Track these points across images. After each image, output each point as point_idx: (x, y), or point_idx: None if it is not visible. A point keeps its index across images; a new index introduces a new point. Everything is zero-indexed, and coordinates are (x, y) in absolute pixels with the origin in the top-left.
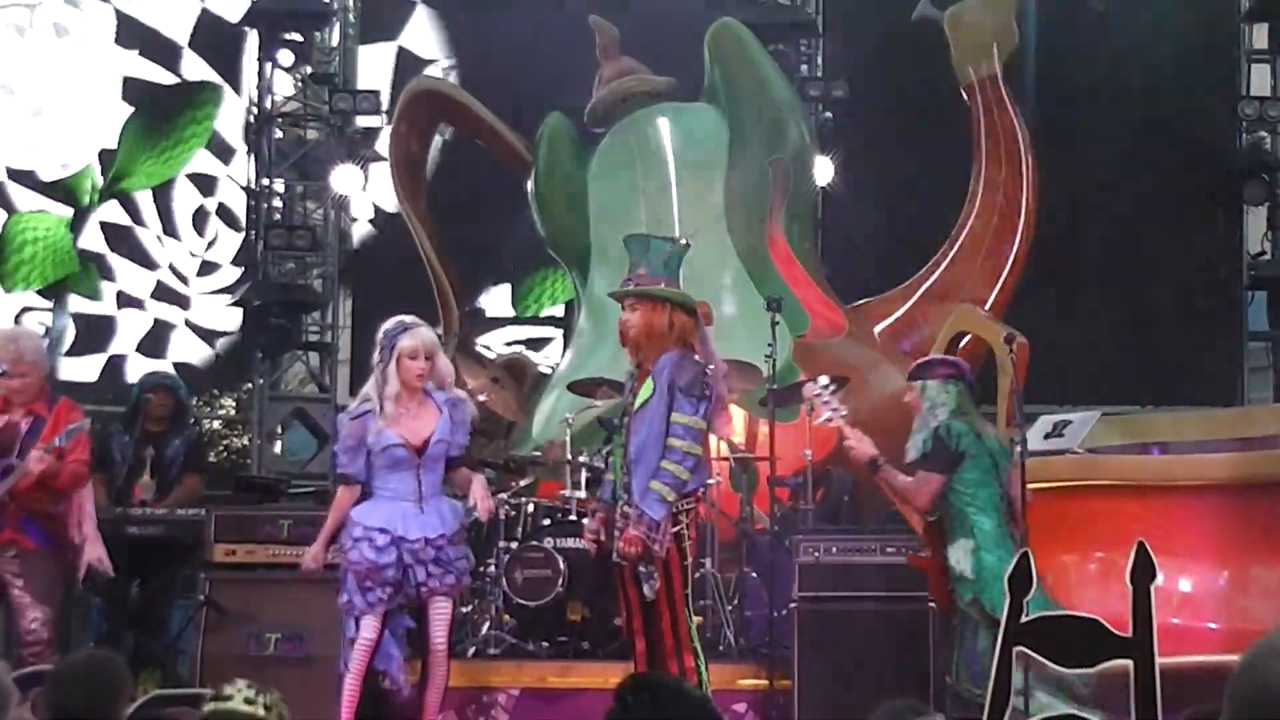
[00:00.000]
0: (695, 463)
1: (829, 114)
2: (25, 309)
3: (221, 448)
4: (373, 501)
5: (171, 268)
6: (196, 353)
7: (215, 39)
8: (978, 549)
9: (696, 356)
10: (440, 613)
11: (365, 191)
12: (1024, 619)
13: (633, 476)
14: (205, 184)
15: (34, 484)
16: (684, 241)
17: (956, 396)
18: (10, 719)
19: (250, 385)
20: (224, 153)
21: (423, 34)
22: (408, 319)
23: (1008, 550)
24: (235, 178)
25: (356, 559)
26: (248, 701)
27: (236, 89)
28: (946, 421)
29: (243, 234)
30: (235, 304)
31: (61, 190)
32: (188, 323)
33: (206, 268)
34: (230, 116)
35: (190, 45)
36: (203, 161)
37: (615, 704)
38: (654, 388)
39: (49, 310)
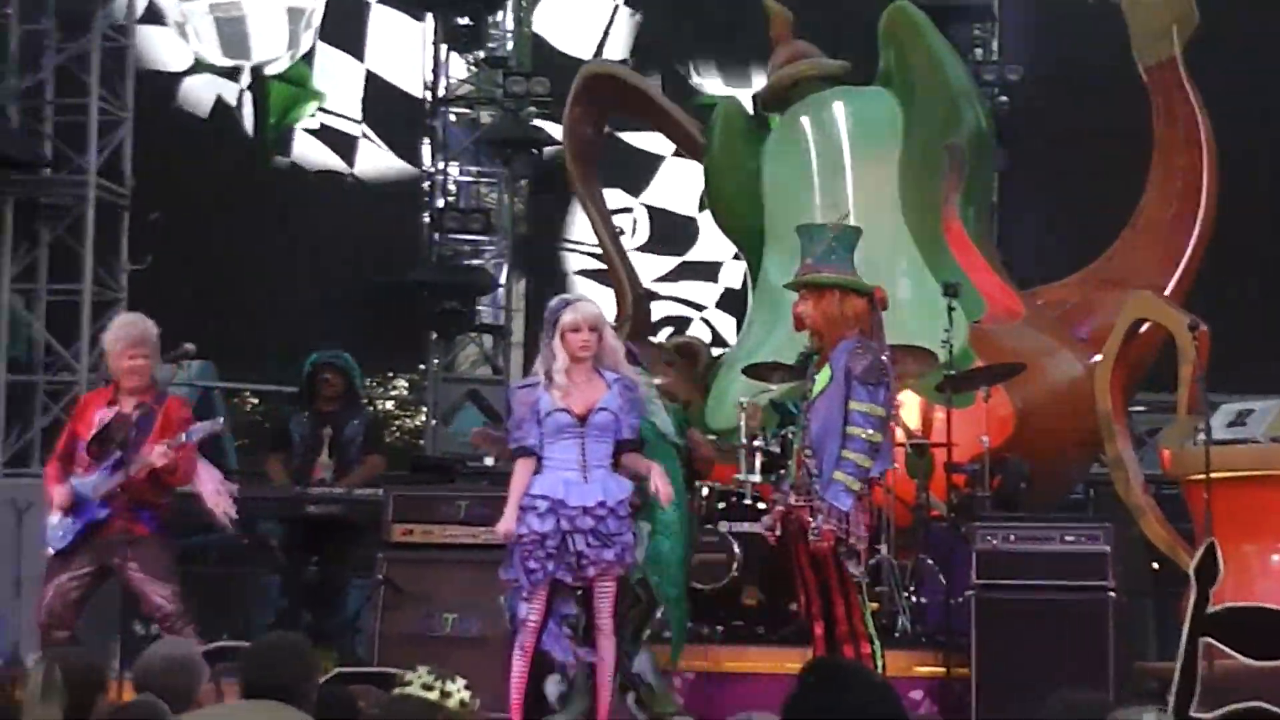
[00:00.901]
0: (876, 450)
1: (1005, 98)
2: None
3: (395, 428)
4: (539, 472)
5: None
6: (370, 332)
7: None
8: (654, 533)
9: (873, 342)
10: (604, 592)
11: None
12: (1210, 609)
13: (816, 465)
14: None
15: (146, 476)
16: (853, 224)
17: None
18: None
19: (424, 367)
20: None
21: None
22: (571, 295)
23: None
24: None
25: (521, 531)
26: (425, 688)
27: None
28: None
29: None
30: (411, 284)
31: None
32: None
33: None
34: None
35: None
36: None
37: (797, 686)
38: (831, 375)
39: None
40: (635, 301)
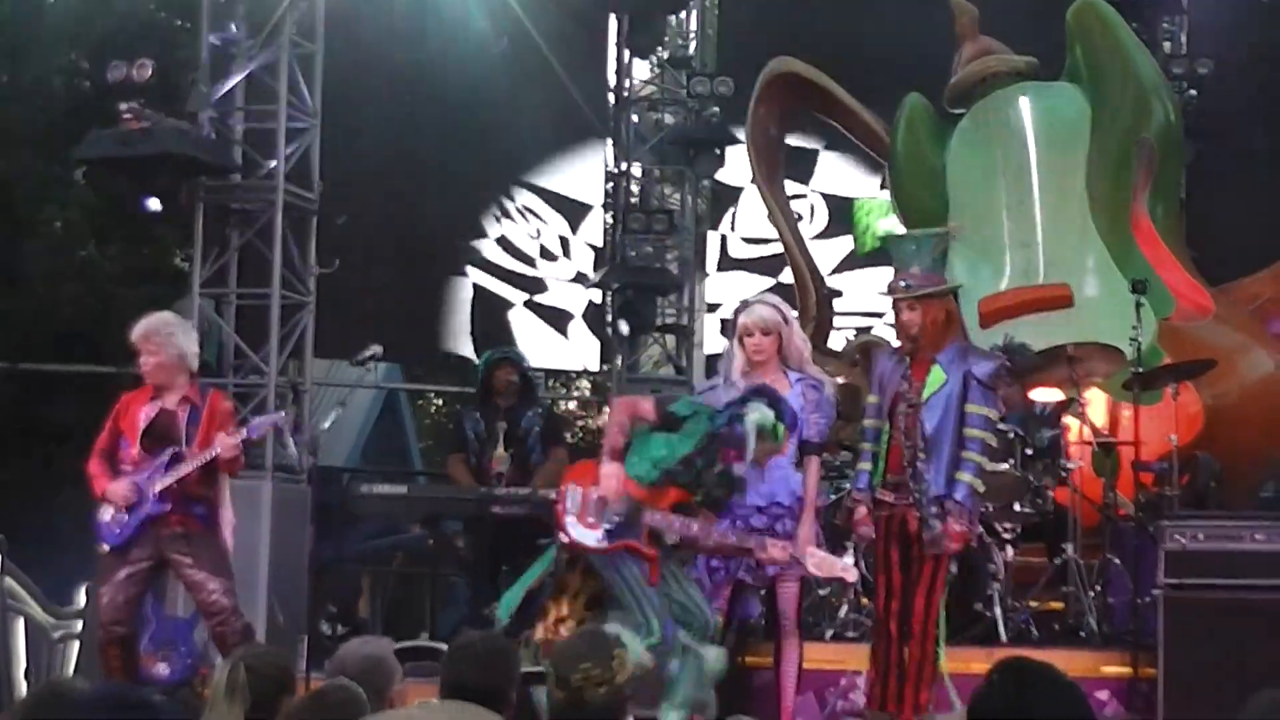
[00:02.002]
0: (988, 450)
1: (1194, 91)
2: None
3: (578, 429)
4: None
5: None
6: (552, 335)
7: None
8: None
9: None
10: (786, 591)
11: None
12: None
13: (929, 463)
14: None
15: (202, 468)
16: (949, 233)
17: None
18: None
19: (607, 367)
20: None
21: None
22: (751, 297)
23: None
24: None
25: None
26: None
27: (597, 73)
28: None
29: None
30: (595, 286)
31: None
32: (543, 305)
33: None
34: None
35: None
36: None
37: (984, 685)
38: (946, 378)
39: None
40: (819, 303)
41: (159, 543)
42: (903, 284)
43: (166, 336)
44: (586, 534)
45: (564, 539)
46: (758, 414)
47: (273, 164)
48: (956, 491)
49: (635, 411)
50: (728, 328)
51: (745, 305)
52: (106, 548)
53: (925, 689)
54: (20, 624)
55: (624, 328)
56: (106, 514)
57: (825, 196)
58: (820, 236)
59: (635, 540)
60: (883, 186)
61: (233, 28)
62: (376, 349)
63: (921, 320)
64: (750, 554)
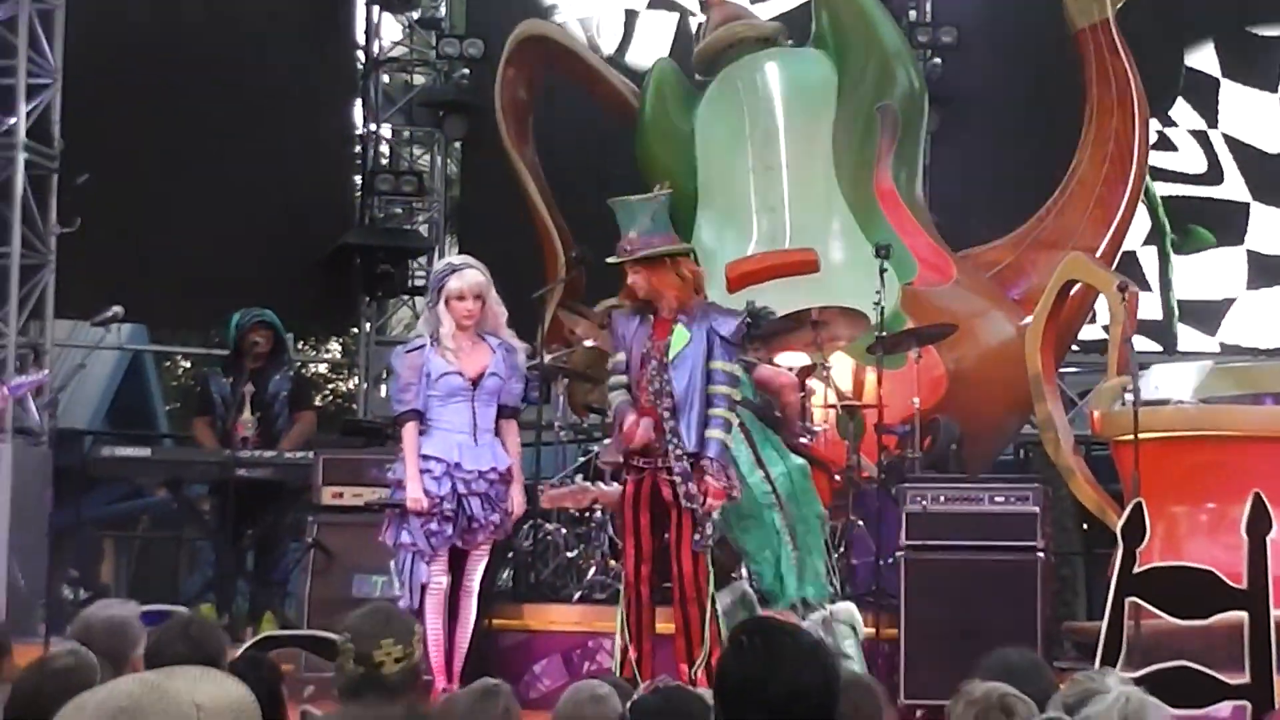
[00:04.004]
0: (733, 405)
1: (937, 60)
2: None
3: (328, 391)
4: (427, 435)
5: None
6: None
7: None
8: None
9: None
10: (480, 556)
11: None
12: (1137, 569)
13: (679, 422)
14: None
15: None
16: (663, 194)
17: None
18: None
19: (356, 330)
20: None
21: None
22: (457, 260)
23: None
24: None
25: (416, 494)
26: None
27: (345, 34)
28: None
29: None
30: (343, 247)
31: None
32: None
33: None
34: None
35: None
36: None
37: (730, 646)
38: (690, 336)
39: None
40: (568, 264)
41: None
42: (627, 248)
43: None
44: None
45: None
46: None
47: (12, 121)
48: (709, 449)
49: None
50: (431, 288)
51: (453, 268)
52: None
53: (716, 648)
54: None
55: (374, 290)
56: None
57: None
58: None
59: None
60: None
61: None
62: (118, 309)
63: (646, 283)
64: None
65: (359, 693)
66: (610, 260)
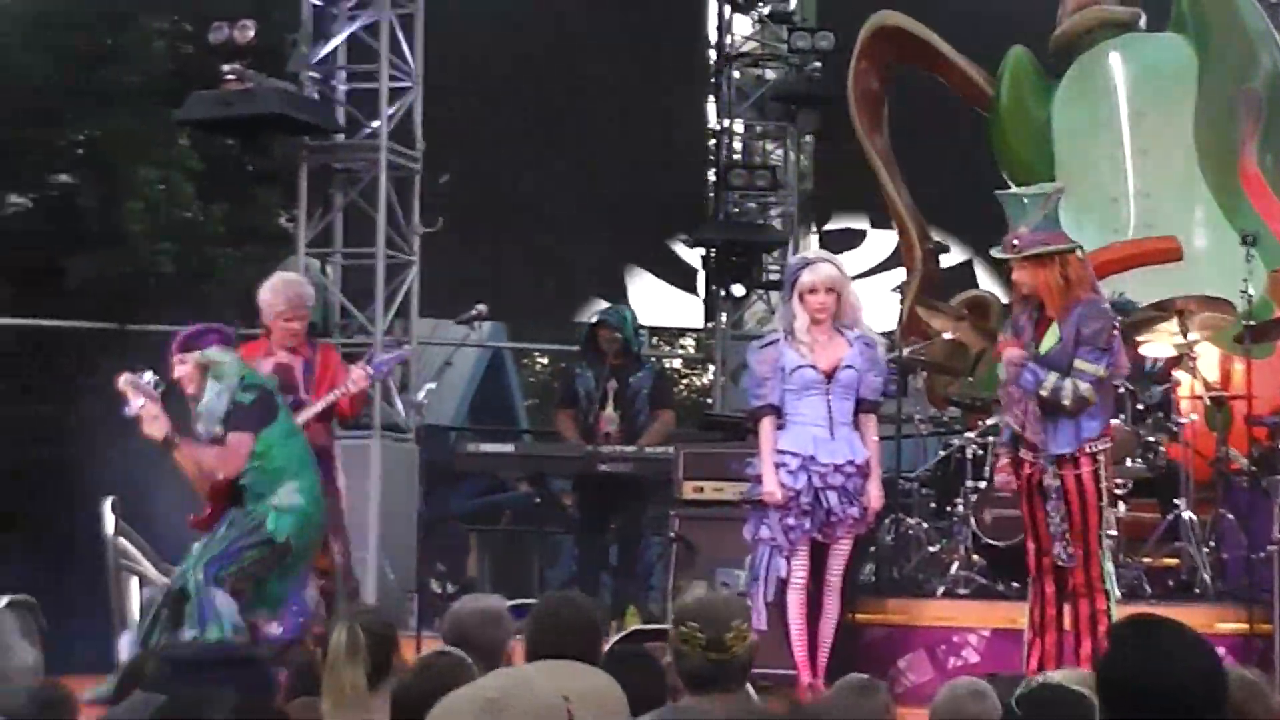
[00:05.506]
0: (1084, 403)
1: None
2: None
3: (683, 386)
4: (784, 429)
5: None
6: (655, 291)
7: None
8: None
9: (1105, 304)
10: (841, 550)
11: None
12: None
13: (1046, 424)
14: None
15: (317, 419)
16: (1060, 188)
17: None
18: None
19: (711, 324)
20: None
21: None
22: (811, 254)
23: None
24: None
25: (771, 488)
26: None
27: (697, 31)
28: (264, 383)
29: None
30: (696, 243)
31: None
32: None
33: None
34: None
35: None
36: None
37: (1111, 642)
38: (1059, 337)
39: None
40: (925, 256)
41: None
42: (1014, 243)
43: (311, 307)
44: None
45: None
46: None
47: (375, 124)
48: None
49: None
50: (785, 283)
51: (806, 262)
52: None
53: (1101, 644)
54: (134, 583)
55: (730, 286)
56: None
57: None
58: None
59: None
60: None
61: None
62: (481, 307)
63: (1031, 281)
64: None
65: (712, 680)
66: (995, 254)
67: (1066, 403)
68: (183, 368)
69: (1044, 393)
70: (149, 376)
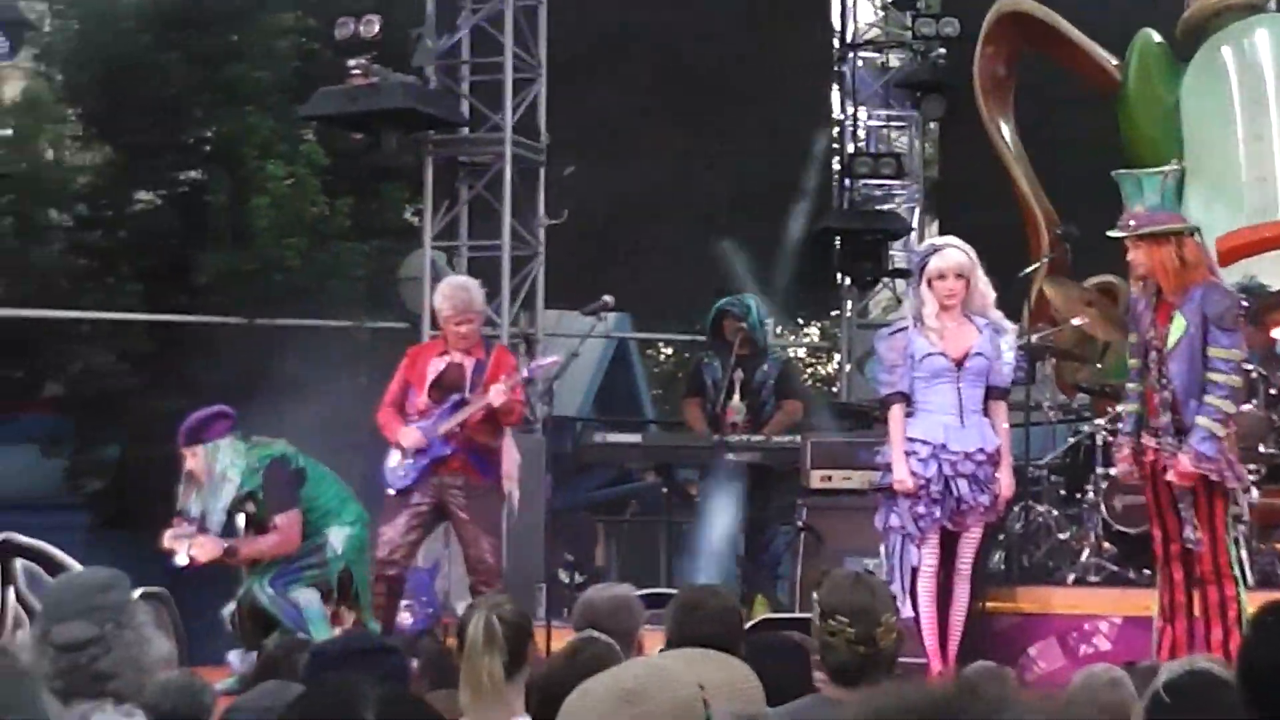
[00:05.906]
0: (1235, 394)
1: None
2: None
3: (808, 375)
4: (914, 417)
5: None
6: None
7: None
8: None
9: (1225, 286)
10: (972, 538)
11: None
12: None
13: (1183, 414)
14: None
15: (484, 418)
16: (1177, 169)
17: (235, 447)
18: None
19: (836, 313)
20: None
21: None
22: (939, 240)
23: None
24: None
25: (902, 476)
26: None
27: (821, 19)
28: (273, 454)
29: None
30: (822, 231)
31: None
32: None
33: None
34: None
35: None
36: None
37: (1252, 628)
38: (1185, 324)
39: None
40: (1053, 242)
41: (440, 488)
42: (1130, 223)
43: (481, 308)
44: None
45: None
46: None
47: (500, 116)
48: (1193, 435)
49: None
50: (914, 269)
51: (935, 249)
52: (392, 491)
53: (1234, 634)
54: None
55: (856, 274)
56: (393, 459)
57: None
58: None
59: None
60: None
61: None
62: (608, 299)
63: (1147, 260)
64: None
65: (860, 673)
66: (1111, 233)
67: (1230, 410)
68: (193, 460)
69: (1220, 432)
70: (186, 528)
